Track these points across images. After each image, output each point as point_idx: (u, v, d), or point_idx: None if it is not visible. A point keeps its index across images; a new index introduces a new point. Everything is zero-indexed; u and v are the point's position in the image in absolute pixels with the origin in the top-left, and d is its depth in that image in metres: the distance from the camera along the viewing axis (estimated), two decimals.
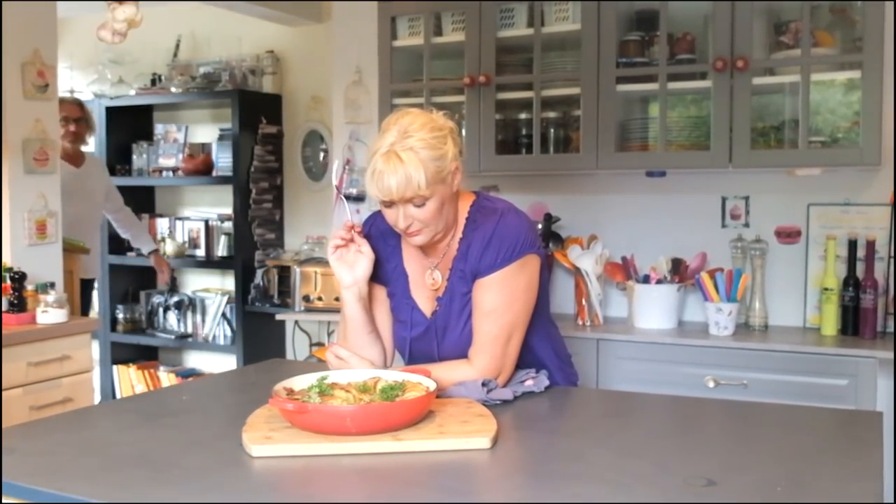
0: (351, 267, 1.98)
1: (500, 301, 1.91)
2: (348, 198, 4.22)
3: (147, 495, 1.32)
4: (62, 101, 4.39)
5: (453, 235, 1.97)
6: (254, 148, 4.86)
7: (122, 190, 5.22)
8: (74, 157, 4.59)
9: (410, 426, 1.60)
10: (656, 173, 3.50)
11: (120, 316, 5.27)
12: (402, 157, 1.79)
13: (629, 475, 1.40)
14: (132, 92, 5.12)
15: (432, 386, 1.69)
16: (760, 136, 3.33)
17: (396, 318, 2.06)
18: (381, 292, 2.07)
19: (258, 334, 4.93)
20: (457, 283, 1.96)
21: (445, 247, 1.99)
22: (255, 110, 4.83)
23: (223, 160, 5.00)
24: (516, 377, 1.97)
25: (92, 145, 5.29)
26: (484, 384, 1.85)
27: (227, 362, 5.12)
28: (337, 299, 3.95)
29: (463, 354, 1.94)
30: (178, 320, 5.24)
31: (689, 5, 3.35)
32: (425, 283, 2.01)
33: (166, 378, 5.18)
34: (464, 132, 3.57)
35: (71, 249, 4.11)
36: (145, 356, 5.42)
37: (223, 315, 5.11)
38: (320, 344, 4.60)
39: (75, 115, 4.57)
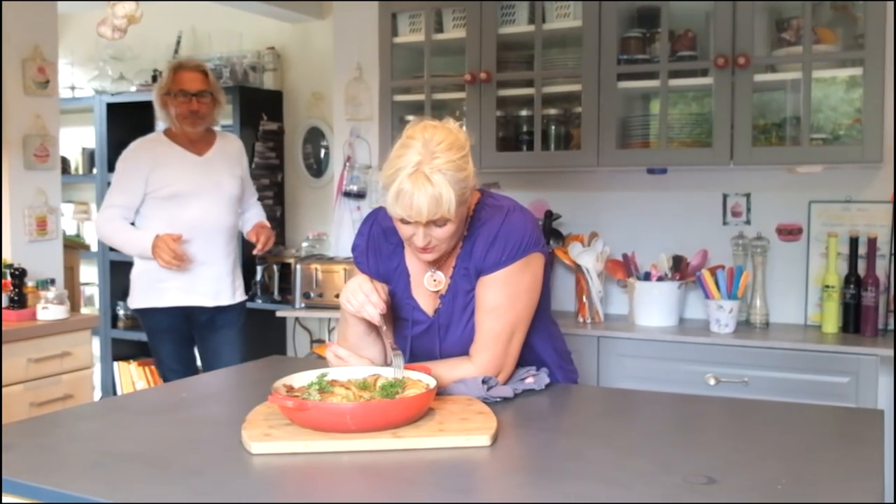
0: None
1: (504, 299, 1.90)
2: (348, 195, 4.21)
3: (146, 492, 1.32)
4: (179, 69, 3.45)
5: None
6: (254, 144, 4.85)
7: None
8: (196, 143, 3.52)
9: (410, 423, 1.60)
10: (657, 170, 3.50)
11: (121, 312, 5.26)
12: (433, 180, 1.73)
13: (629, 473, 1.40)
14: (133, 88, 5.11)
15: (432, 383, 1.69)
16: (762, 133, 3.32)
17: (397, 315, 2.05)
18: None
19: (259, 331, 4.93)
20: (460, 280, 1.95)
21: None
22: (256, 107, 4.82)
23: None
24: (517, 375, 1.97)
25: (92, 141, 5.28)
26: (484, 381, 1.84)
27: None
28: (337, 296, 3.96)
29: (465, 352, 1.94)
30: None
31: (691, 2, 3.34)
32: (427, 282, 2.00)
33: None
34: (464, 129, 3.57)
35: (71, 246, 4.10)
36: (146, 353, 5.40)
37: None
38: (321, 341, 4.60)
39: (196, 87, 3.43)
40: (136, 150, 3.48)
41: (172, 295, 3.44)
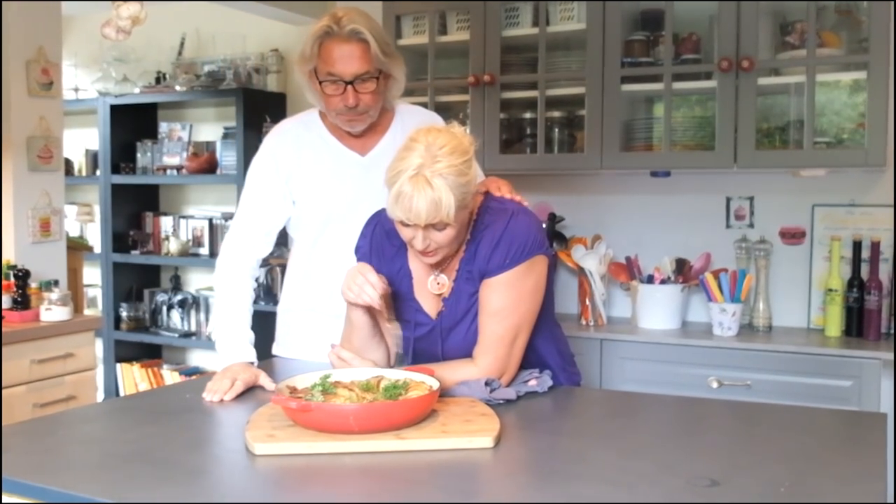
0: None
1: (507, 301, 1.90)
2: None
3: (149, 493, 1.32)
4: (326, 37, 2.18)
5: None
6: (258, 149, 4.85)
7: (126, 188, 5.23)
8: (358, 138, 2.32)
9: (413, 425, 1.60)
10: (661, 173, 3.50)
11: (123, 314, 5.27)
12: (433, 184, 1.74)
13: (632, 475, 1.40)
14: (136, 90, 5.11)
15: (435, 385, 1.69)
16: (765, 136, 3.33)
17: (400, 317, 2.05)
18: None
19: (262, 333, 4.92)
20: (464, 284, 1.95)
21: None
22: (260, 109, 4.83)
23: (227, 158, 5.00)
24: (519, 377, 1.97)
25: (96, 143, 5.28)
26: (487, 384, 1.84)
27: None
28: None
29: (467, 354, 1.94)
30: (182, 318, 5.24)
31: (695, 5, 3.35)
32: (430, 285, 2.00)
33: (170, 376, 5.18)
34: (468, 131, 3.57)
35: (75, 247, 4.11)
36: (149, 354, 5.42)
37: None
38: None
39: (352, 68, 2.16)
40: (278, 141, 2.40)
41: (312, 350, 2.35)
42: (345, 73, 2.16)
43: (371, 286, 1.86)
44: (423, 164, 1.75)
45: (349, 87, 2.17)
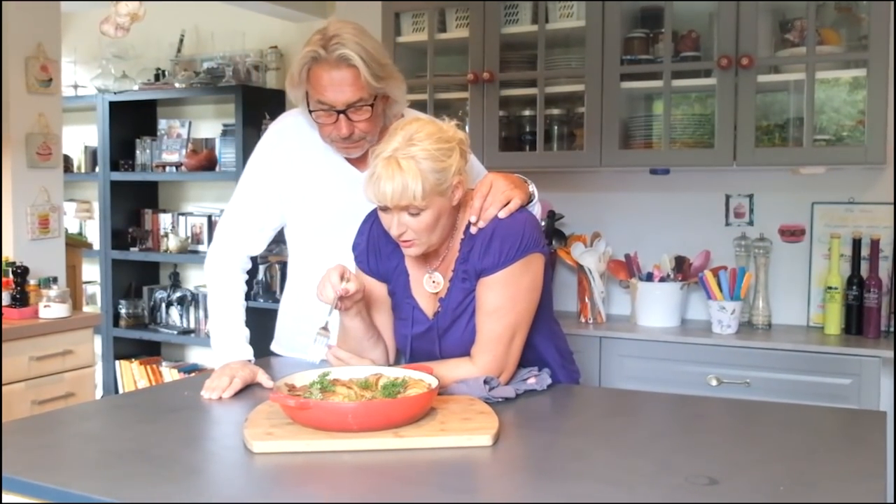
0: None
1: (504, 300, 1.89)
2: None
3: (148, 491, 1.32)
4: (315, 63, 2.01)
5: (454, 236, 1.95)
6: (257, 143, 4.85)
7: (125, 185, 5.23)
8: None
9: (412, 423, 1.59)
10: (660, 171, 3.50)
11: (122, 311, 5.27)
12: (402, 165, 1.76)
13: (631, 473, 1.39)
14: (135, 87, 5.11)
15: (434, 383, 1.68)
16: (765, 134, 3.32)
17: (397, 315, 2.05)
18: (381, 289, 2.06)
19: (260, 330, 4.91)
20: (459, 283, 1.95)
21: (446, 249, 1.97)
22: (259, 106, 4.82)
23: (226, 155, 5.00)
24: (518, 375, 1.97)
25: (95, 140, 5.28)
26: (486, 382, 1.84)
27: None
28: None
29: (464, 353, 1.93)
30: (181, 316, 5.24)
31: (694, 3, 3.35)
32: (426, 284, 1.99)
33: (169, 374, 5.18)
34: (467, 129, 3.57)
35: (74, 244, 4.10)
36: (148, 352, 5.42)
37: None
38: None
39: (343, 97, 2.01)
40: (278, 133, 2.30)
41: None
42: (336, 101, 2.01)
43: (331, 287, 1.86)
44: (398, 148, 1.78)
45: (341, 115, 2.03)
